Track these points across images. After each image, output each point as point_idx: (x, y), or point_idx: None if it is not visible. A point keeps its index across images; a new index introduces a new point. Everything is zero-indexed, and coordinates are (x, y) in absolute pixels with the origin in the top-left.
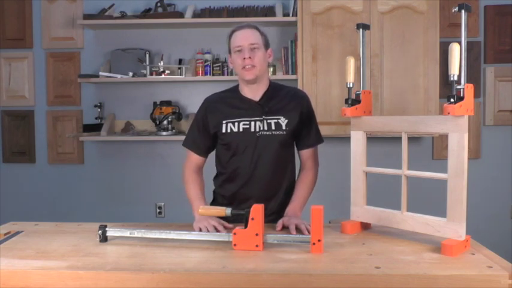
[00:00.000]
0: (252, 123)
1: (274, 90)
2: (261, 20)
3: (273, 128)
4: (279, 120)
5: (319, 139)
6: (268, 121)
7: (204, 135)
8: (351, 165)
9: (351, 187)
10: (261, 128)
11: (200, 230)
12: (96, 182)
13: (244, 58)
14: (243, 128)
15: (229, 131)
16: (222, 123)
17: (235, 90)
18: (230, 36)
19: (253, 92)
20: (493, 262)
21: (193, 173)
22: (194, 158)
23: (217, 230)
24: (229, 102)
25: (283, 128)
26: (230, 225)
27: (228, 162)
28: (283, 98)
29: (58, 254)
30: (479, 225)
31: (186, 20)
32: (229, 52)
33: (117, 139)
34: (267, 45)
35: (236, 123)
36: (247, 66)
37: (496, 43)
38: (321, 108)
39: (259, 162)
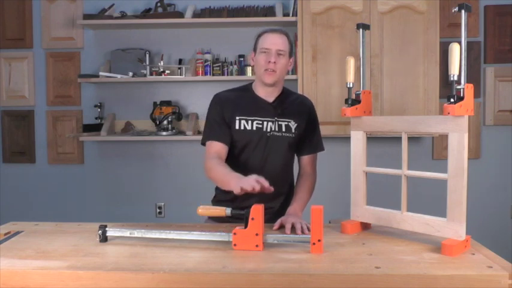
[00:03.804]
0: (265, 123)
1: (286, 95)
2: (261, 20)
3: (284, 129)
4: (290, 123)
5: (320, 146)
6: (280, 123)
7: (224, 126)
8: (351, 165)
9: (351, 187)
10: (273, 129)
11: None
12: (96, 182)
13: (269, 61)
14: (256, 127)
15: (242, 128)
16: (235, 119)
17: (248, 89)
18: (260, 35)
19: (268, 94)
20: (493, 262)
21: (215, 159)
22: (215, 148)
23: (262, 190)
24: (243, 100)
25: (293, 131)
26: (267, 185)
27: (235, 159)
28: (293, 103)
29: (58, 254)
30: (479, 225)
31: (186, 20)
32: (254, 50)
33: (117, 139)
34: (291, 54)
35: (250, 121)
36: (269, 70)
37: (496, 43)
38: (321, 108)
39: (267, 161)
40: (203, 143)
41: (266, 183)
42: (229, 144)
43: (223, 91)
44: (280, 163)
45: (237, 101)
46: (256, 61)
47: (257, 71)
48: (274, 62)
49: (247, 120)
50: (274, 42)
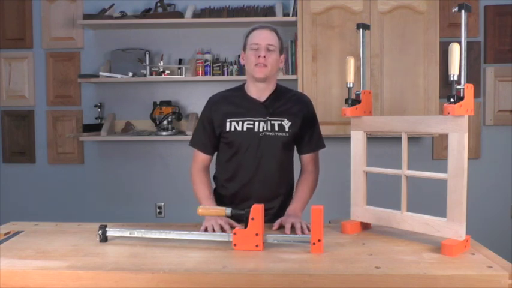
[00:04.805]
0: (256, 123)
1: (280, 92)
2: (261, 20)
3: (276, 129)
4: (283, 122)
5: (320, 144)
6: (272, 122)
7: (210, 133)
8: (351, 165)
9: (351, 187)
10: (265, 129)
11: (206, 229)
12: (96, 182)
13: (259, 56)
14: (247, 128)
15: (233, 129)
16: (226, 122)
17: (240, 89)
18: (249, 33)
19: (260, 92)
20: (493, 262)
21: (201, 172)
22: (201, 157)
23: (223, 230)
24: (234, 101)
25: (286, 130)
26: (238, 225)
27: (230, 161)
28: (288, 101)
29: (58, 254)
30: (479, 225)
31: (186, 20)
32: (244, 49)
33: (117, 139)
34: (281, 51)
35: (240, 122)
36: (259, 64)
37: (496, 43)
38: (321, 108)
39: (262, 162)
40: (191, 145)
41: (227, 227)
42: (214, 151)
43: (218, 93)
44: (275, 163)
45: (228, 102)
46: (246, 58)
47: (248, 67)
48: (265, 57)
49: (237, 122)
50: (264, 37)
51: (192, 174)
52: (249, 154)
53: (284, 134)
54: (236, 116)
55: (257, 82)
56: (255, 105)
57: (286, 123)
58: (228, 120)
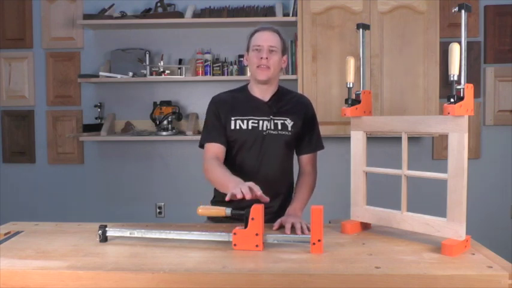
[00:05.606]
0: (260, 122)
1: (282, 93)
2: (261, 20)
3: (280, 128)
4: (286, 122)
5: (319, 145)
6: (275, 121)
7: (219, 125)
8: (351, 165)
9: (351, 187)
10: (268, 127)
11: (234, 197)
12: (96, 182)
13: (261, 58)
14: (252, 126)
15: (238, 127)
16: (231, 120)
17: (244, 89)
18: (252, 34)
19: (263, 93)
20: (493, 262)
21: (214, 160)
22: (212, 149)
23: (254, 197)
24: (238, 100)
25: (289, 129)
26: (260, 192)
27: (232, 159)
28: (289, 101)
29: (58, 254)
30: (479, 225)
31: (186, 20)
32: (247, 50)
33: (117, 139)
34: (284, 51)
35: (245, 121)
36: (262, 66)
37: (496, 43)
38: (321, 108)
39: (264, 160)
40: (201, 146)
41: (259, 192)
42: (226, 144)
43: (220, 93)
44: (277, 162)
45: (233, 101)
46: (249, 59)
47: (251, 69)
48: (267, 58)
49: (242, 120)
50: (266, 38)
51: (203, 165)
52: (252, 152)
53: (287, 132)
54: (241, 114)
55: (259, 84)
56: (259, 104)
57: (289, 123)
58: (233, 118)
